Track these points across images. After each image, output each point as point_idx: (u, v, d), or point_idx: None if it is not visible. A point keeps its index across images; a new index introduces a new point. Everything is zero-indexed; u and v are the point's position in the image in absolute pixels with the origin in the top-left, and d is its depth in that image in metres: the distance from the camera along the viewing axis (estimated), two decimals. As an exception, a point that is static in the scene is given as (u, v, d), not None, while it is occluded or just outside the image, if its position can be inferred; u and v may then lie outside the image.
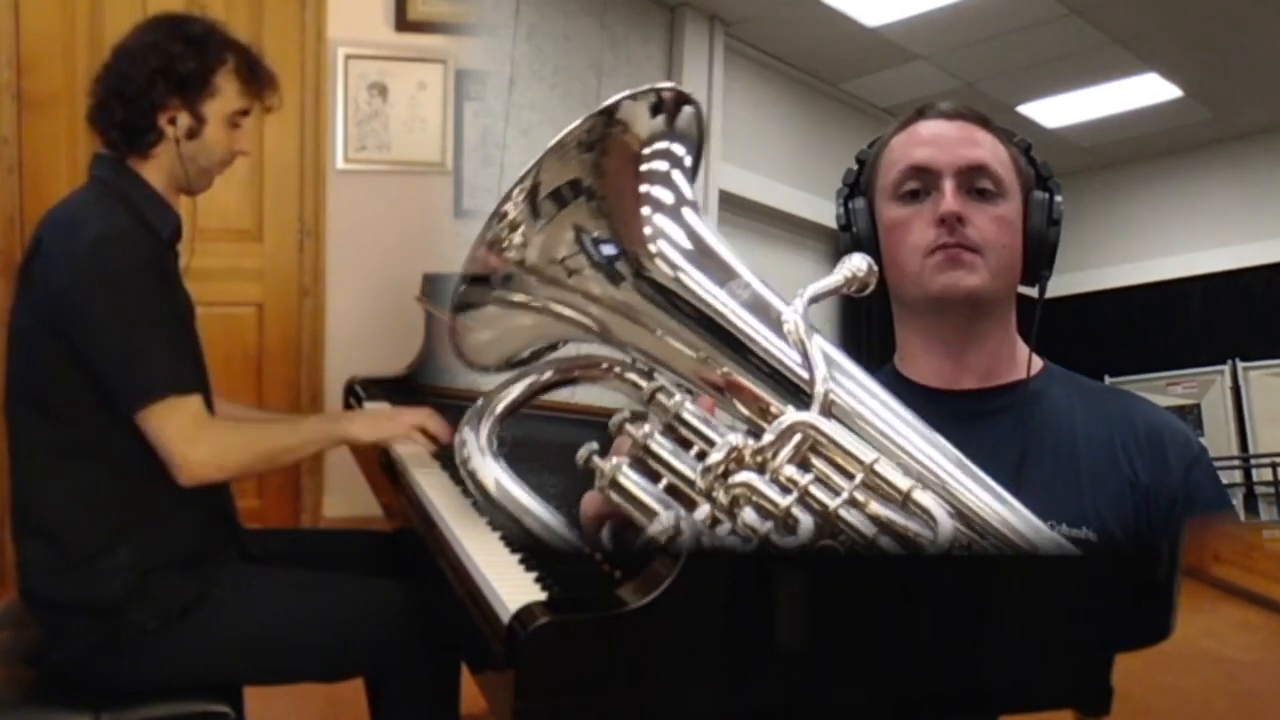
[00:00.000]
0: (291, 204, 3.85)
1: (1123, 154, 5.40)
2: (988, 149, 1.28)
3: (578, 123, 0.95)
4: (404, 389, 2.65)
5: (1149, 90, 4.94)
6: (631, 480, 0.92)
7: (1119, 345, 5.14)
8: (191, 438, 1.75)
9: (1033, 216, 1.27)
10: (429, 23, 3.83)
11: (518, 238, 0.95)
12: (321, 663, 1.86)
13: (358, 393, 2.68)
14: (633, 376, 1.03)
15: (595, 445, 0.95)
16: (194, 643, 1.78)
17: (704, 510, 0.90)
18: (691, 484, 0.92)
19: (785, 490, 0.89)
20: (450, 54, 3.86)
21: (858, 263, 0.97)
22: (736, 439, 0.91)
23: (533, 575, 1.58)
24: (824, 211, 4.91)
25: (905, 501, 0.89)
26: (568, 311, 0.99)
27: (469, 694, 1.82)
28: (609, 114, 0.96)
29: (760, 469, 0.90)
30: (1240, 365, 5.01)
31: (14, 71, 3.49)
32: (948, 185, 1.24)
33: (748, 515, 0.89)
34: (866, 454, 0.89)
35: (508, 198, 0.96)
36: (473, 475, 0.91)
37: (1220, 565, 3.83)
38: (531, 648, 1.25)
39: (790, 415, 0.90)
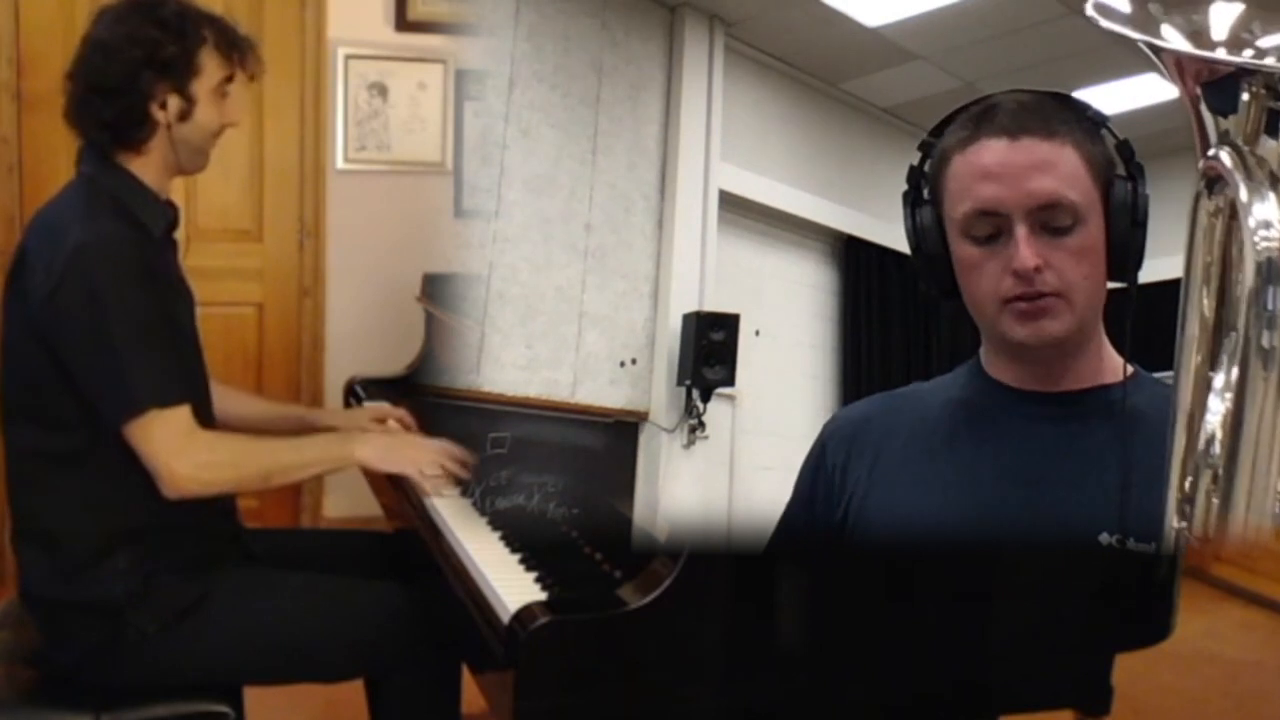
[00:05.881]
0: (291, 204, 3.85)
1: (1123, 154, 5.38)
2: (1059, 173, 1.16)
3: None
4: (404, 389, 2.65)
5: (1149, 90, 4.94)
6: None
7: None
8: (176, 451, 1.71)
9: (1115, 222, 1.18)
10: (429, 23, 3.83)
11: None
12: (321, 663, 1.86)
13: (358, 392, 2.68)
14: None
15: None
16: (194, 644, 1.77)
17: None
18: None
19: None
20: (450, 54, 3.86)
21: None
22: None
23: (533, 575, 1.58)
24: (824, 211, 4.88)
25: None
26: None
27: (469, 694, 1.82)
28: None
29: None
30: (1240, 365, 5.00)
31: (14, 71, 3.49)
32: (1020, 231, 1.15)
33: None
34: None
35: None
36: None
37: (1220, 565, 3.82)
38: (531, 648, 1.25)
39: None
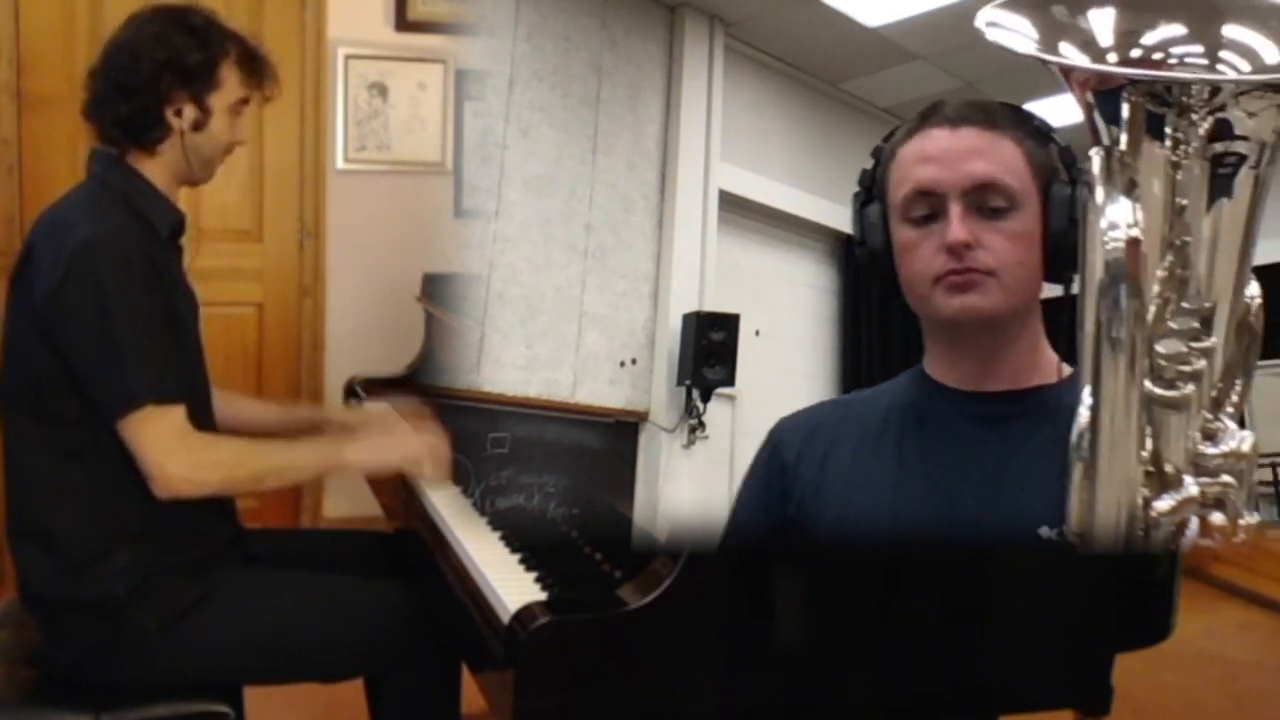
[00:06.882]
0: (291, 204, 3.85)
1: (1123, 154, 5.38)
2: (996, 159, 1.21)
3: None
4: (404, 389, 2.65)
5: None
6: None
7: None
8: (169, 450, 1.70)
9: (1052, 219, 1.21)
10: (429, 23, 3.83)
11: None
12: (321, 663, 1.86)
13: (358, 392, 2.68)
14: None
15: None
16: (194, 643, 1.77)
17: (1192, 489, 0.93)
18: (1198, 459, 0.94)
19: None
20: (450, 54, 3.86)
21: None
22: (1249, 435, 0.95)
23: (533, 575, 1.58)
24: (824, 211, 4.88)
25: None
26: None
27: (469, 694, 1.82)
28: None
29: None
30: (1240, 365, 4.99)
31: (14, 71, 3.49)
32: (954, 209, 1.19)
33: (1216, 518, 0.93)
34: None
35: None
36: None
37: (1220, 565, 3.82)
38: (531, 648, 1.25)
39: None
